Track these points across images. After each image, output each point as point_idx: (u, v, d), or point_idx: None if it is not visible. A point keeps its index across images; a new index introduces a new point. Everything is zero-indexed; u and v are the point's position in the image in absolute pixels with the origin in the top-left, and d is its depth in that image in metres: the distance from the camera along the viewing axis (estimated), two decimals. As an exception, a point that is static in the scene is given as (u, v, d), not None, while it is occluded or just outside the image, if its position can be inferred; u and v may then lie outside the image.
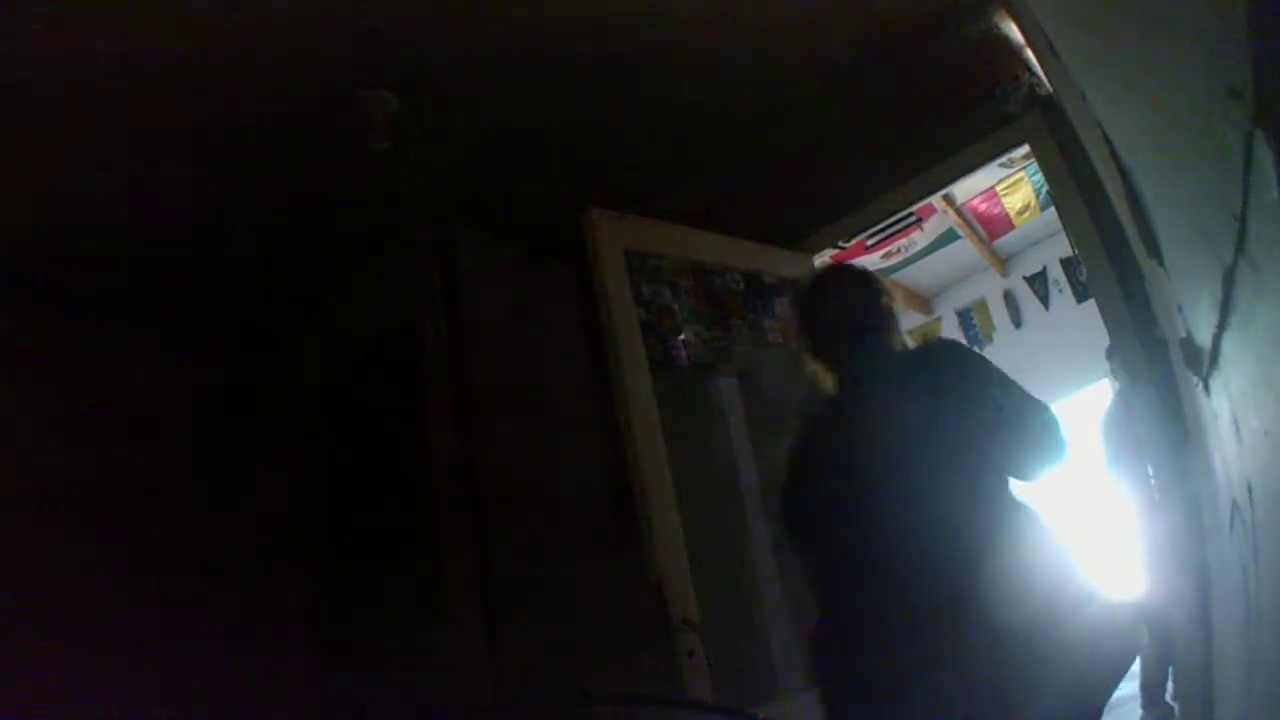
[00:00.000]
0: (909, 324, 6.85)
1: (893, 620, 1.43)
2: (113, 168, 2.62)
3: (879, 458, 1.54)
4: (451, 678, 2.78)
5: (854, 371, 1.71)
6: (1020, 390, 1.55)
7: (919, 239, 5.49)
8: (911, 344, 1.85)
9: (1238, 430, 1.05)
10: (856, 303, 1.77)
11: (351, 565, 3.33)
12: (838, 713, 1.54)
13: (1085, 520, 5.06)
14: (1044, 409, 1.54)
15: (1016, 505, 1.54)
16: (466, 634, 2.76)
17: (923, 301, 6.75)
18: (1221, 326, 0.95)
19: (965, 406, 1.52)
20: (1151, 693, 3.26)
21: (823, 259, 3.55)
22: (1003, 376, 1.58)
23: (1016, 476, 1.54)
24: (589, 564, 2.83)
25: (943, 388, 1.54)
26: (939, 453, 1.49)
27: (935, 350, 1.75)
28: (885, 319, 1.76)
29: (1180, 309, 1.30)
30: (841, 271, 1.91)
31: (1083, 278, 5.07)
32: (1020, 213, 5.46)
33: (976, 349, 6.42)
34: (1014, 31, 2.66)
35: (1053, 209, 3.16)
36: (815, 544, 1.70)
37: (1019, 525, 1.51)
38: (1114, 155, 1.40)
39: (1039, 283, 6.18)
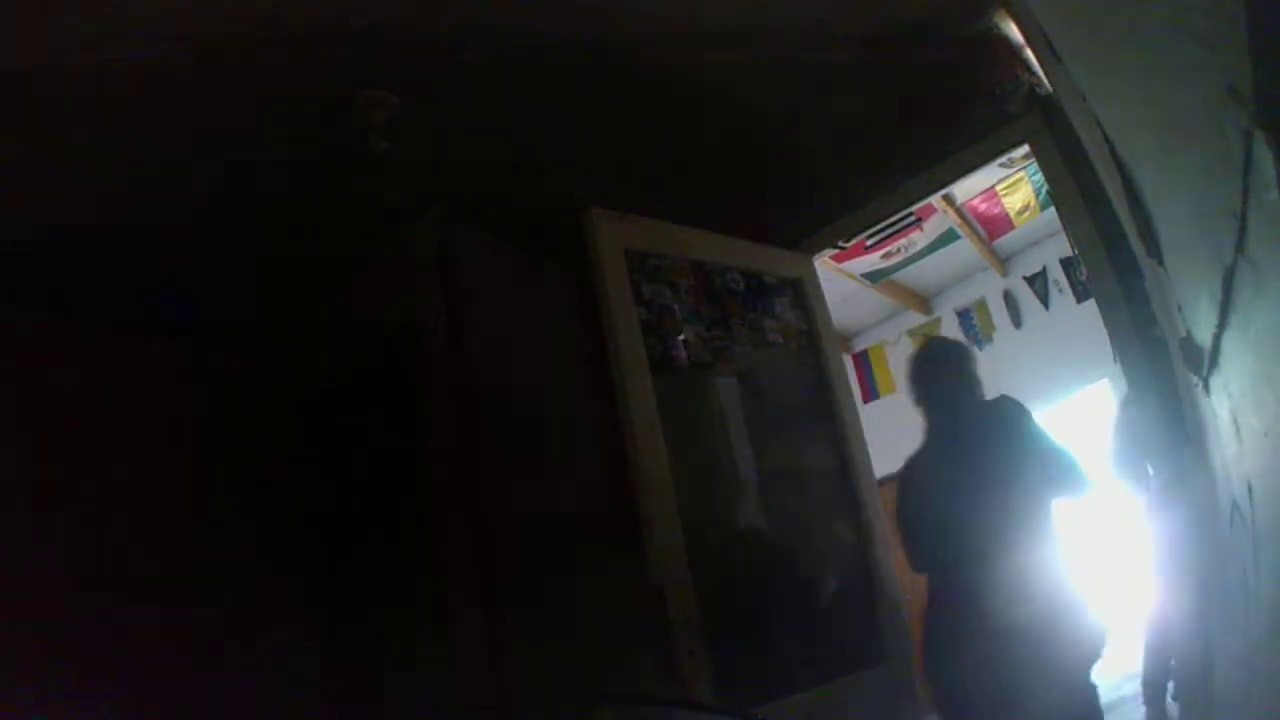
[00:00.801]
0: (909, 324, 6.86)
1: (971, 605, 2.05)
2: (110, 168, 2.62)
3: (961, 483, 2.13)
4: (453, 678, 2.78)
5: (945, 420, 2.35)
6: (1055, 440, 2.21)
7: (919, 239, 5.50)
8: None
9: (1238, 430, 1.05)
10: (951, 370, 2.42)
11: (353, 568, 3.33)
12: (943, 669, 2.18)
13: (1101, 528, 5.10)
14: (1073, 458, 2.18)
15: (1048, 523, 2.14)
16: (468, 635, 2.76)
17: (923, 301, 6.75)
18: (1221, 326, 0.95)
19: (1021, 448, 2.16)
20: (1153, 692, 3.26)
21: (822, 258, 3.56)
22: (1043, 429, 2.24)
23: (1056, 498, 2.17)
24: (590, 564, 2.84)
25: (1007, 434, 2.19)
26: (1001, 481, 2.10)
27: (1002, 405, 2.33)
28: (970, 382, 2.40)
29: (1180, 309, 1.30)
30: (942, 345, 2.68)
31: (1083, 278, 5.07)
32: (1020, 213, 5.47)
33: (976, 349, 6.44)
34: (1014, 31, 2.66)
35: (1053, 209, 3.16)
36: (924, 542, 2.27)
37: (1047, 542, 2.10)
38: (1114, 155, 1.40)
39: (1039, 283, 6.18)
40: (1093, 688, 2.07)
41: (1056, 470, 2.14)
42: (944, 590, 2.17)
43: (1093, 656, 2.07)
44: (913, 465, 2.39)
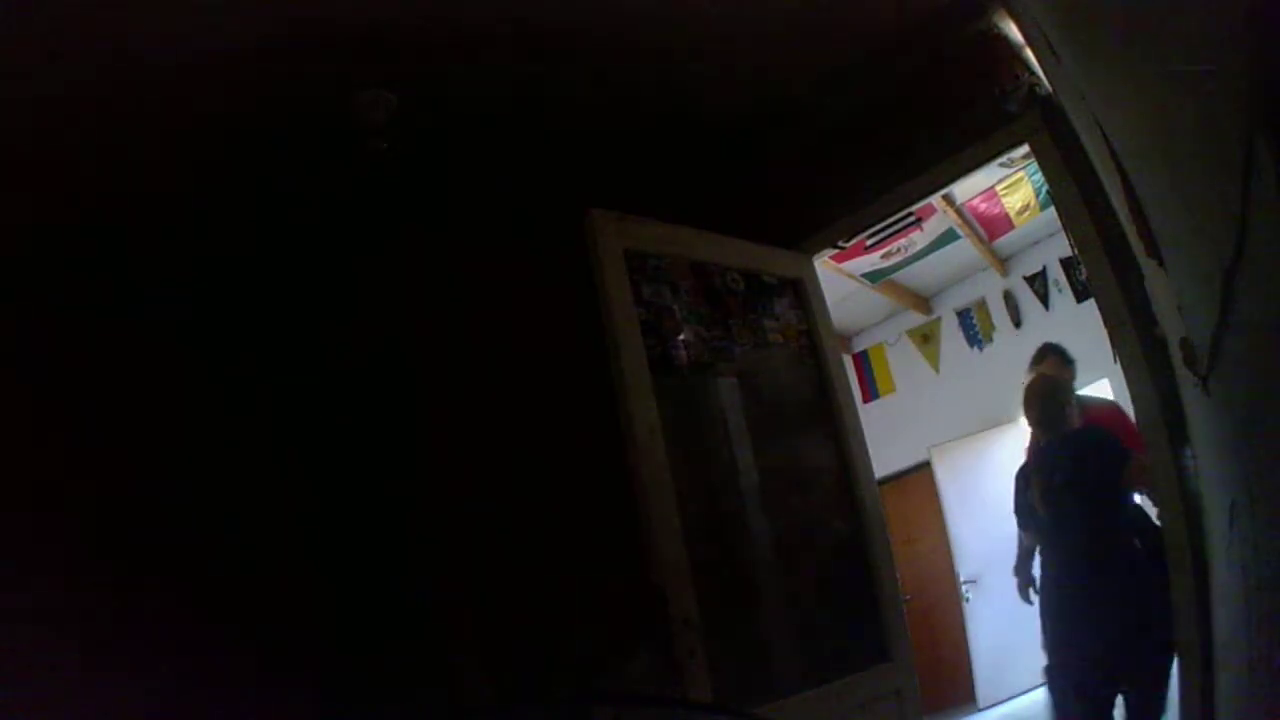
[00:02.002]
0: (909, 324, 6.85)
1: (1078, 571, 2.86)
2: (109, 168, 2.62)
3: (1070, 486, 2.90)
4: (452, 678, 2.78)
5: (1053, 438, 3.07)
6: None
7: (919, 239, 5.50)
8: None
9: (1238, 430, 1.05)
10: (1056, 402, 3.12)
11: (351, 567, 3.33)
12: (1056, 621, 2.94)
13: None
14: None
15: (1125, 519, 2.90)
16: (467, 634, 2.77)
17: (923, 301, 6.75)
18: (1221, 326, 0.95)
19: (1109, 465, 2.84)
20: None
21: (822, 258, 3.55)
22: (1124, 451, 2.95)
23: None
24: (589, 564, 2.84)
25: (1100, 455, 2.90)
26: (1097, 486, 2.85)
27: (1096, 432, 3.08)
28: (1071, 409, 3.10)
29: (1180, 309, 1.30)
30: (1051, 383, 3.28)
31: (1083, 278, 5.06)
32: (1020, 213, 5.46)
33: (976, 349, 6.44)
34: (1014, 31, 2.66)
35: (1053, 209, 3.16)
36: (1034, 528, 3.12)
37: (1124, 534, 2.86)
38: (1114, 155, 1.40)
39: (1039, 283, 6.18)
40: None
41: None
42: (1049, 560, 3.05)
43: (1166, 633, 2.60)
44: (1027, 470, 3.19)
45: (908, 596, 2.94)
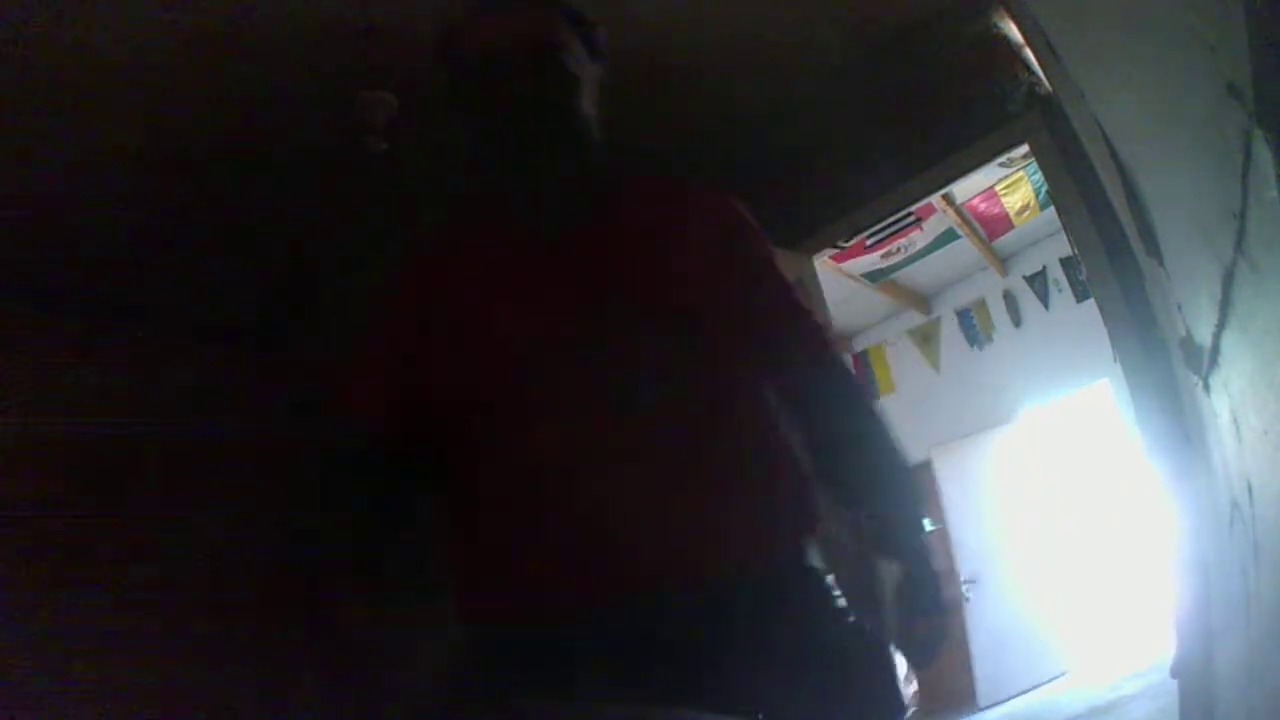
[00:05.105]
0: (909, 324, 6.85)
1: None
2: (110, 167, 2.62)
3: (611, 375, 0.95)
4: (452, 678, 2.77)
5: (522, 193, 1.08)
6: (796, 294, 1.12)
7: (918, 239, 5.50)
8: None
9: (1238, 429, 1.05)
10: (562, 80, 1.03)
11: (351, 566, 3.32)
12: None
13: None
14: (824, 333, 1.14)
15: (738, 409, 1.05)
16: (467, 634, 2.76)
17: (922, 301, 6.75)
18: (1221, 326, 0.95)
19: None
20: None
21: (822, 258, 3.55)
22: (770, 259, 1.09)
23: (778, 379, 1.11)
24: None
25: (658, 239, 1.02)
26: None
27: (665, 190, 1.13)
28: (575, 125, 1.06)
29: (1180, 309, 1.30)
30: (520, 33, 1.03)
31: (1083, 277, 5.07)
32: (1020, 212, 5.46)
33: (976, 349, 6.41)
34: (1014, 31, 2.66)
35: (1053, 208, 3.16)
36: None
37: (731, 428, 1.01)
38: (1114, 155, 1.40)
39: (1039, 282, 6.18)
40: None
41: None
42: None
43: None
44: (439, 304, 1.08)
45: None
